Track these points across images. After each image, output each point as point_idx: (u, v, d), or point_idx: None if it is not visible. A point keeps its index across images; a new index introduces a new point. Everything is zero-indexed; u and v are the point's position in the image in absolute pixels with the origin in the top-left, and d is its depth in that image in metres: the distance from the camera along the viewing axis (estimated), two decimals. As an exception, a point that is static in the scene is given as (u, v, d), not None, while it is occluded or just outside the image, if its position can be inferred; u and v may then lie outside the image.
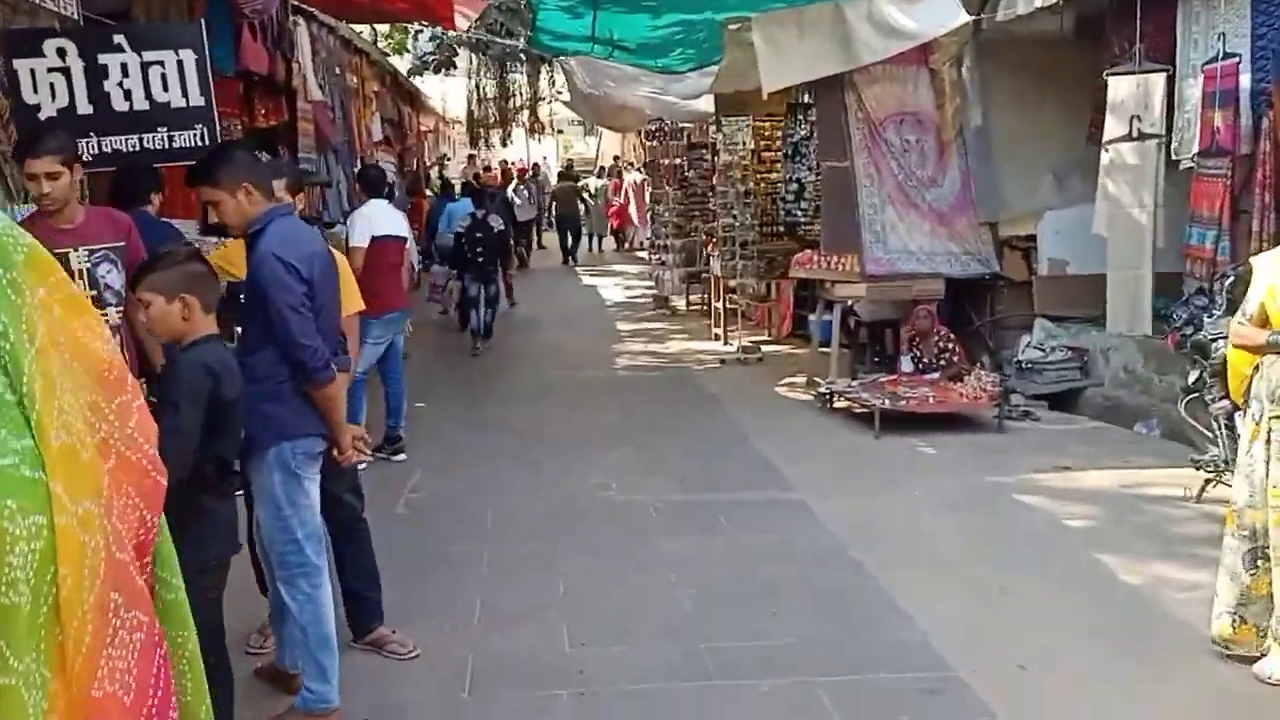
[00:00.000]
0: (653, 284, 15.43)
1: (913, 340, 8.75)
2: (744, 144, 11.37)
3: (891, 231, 8.93)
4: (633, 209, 22.67)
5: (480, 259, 11.53)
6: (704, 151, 14.81)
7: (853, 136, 8.91)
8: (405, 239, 7.19)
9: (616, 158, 26.18)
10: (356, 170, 14.63)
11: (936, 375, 8.61)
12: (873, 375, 9.29)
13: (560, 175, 24.40)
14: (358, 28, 14.90)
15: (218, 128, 5.25)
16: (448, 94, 22.86)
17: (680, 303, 14.66)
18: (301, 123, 12.46)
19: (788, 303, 12.18)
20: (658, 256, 14.51)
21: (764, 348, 11.32)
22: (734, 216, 10.80)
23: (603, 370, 10.45)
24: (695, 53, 11.41)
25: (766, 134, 11.73)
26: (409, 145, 19.35)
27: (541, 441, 7.65)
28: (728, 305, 11.67)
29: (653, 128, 14.61)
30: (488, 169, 22.16)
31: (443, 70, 17.93)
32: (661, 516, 5.89)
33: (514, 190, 16.14)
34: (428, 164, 22.36)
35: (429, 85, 22.00)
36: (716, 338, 12.06)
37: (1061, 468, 6.64)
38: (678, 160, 14.67)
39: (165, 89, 5.05)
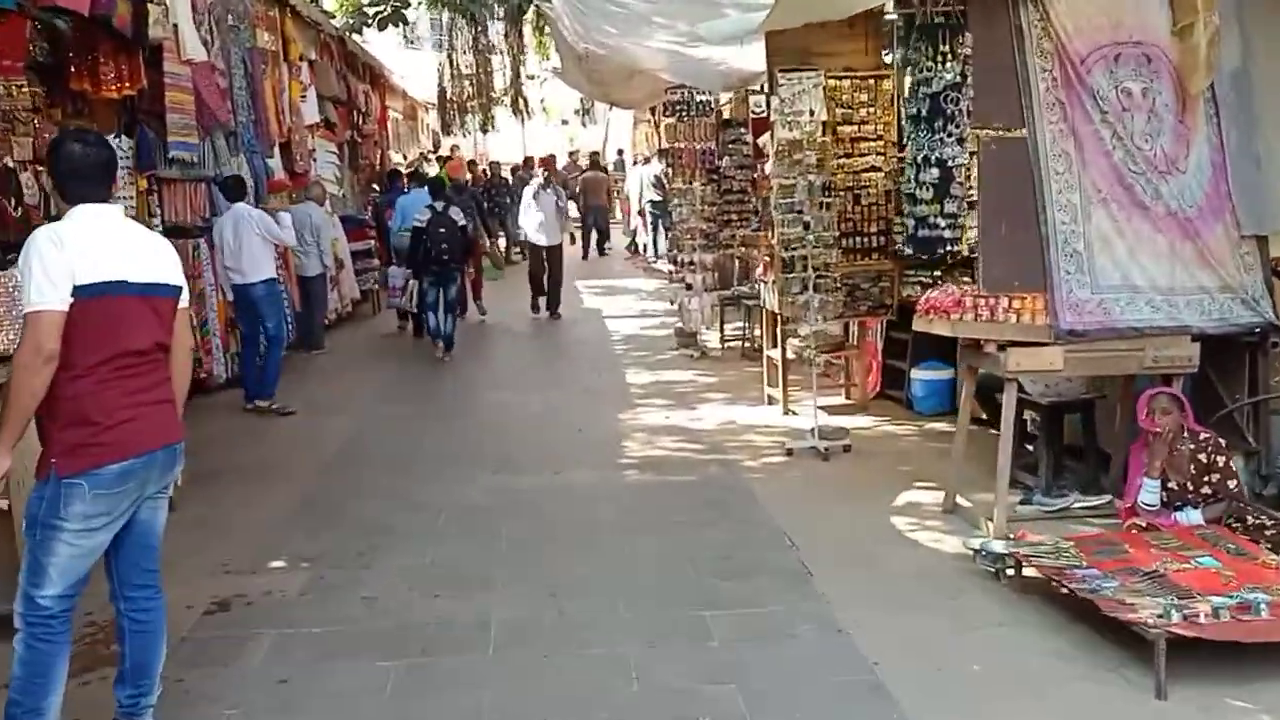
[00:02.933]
0: (673, 309, 11.57)
1: (1146, 443, 4.89)
2: (812, 113, 7.51)
3: (1103, 253, 5.08)
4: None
5: (444, 257, 10.35)
6: (742, 131, 10.91)
7: (1034, 84, 5.05)
8: (176, 290, 3.36)
9: (591, 156, 22.18)
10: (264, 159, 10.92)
11: (1200, 515, 4.78)
12: (1060, 498, 5.44)
13: (592, 163, 20.87)
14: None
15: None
16: (421, 72, 19.01)
17: (712, 338, 10.79)
18: (172, 93, 8.65)
19: (874, 350, 8.31)
20: (680, 275, 10.65)
21: (843, 417, 7.47)
22: (805, 224, 6.92)
23: (597, 471, 6.59)
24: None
25: (846, 97, 7.87)
26: (365, 133, 15.51)
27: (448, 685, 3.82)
28: (788, 354, 7.83)
29: (675, 98, 10.71)
30: (447, 158, 18.25)
31: (390, 26, 14.07)
32: None
33: (540, 189, 12.22)
34: (396, 159, 18.53)
35: (398, 60, 18.20)
36: (771, 401, 8.19)
37: None
38: (707, 144, 10.79)
39: None
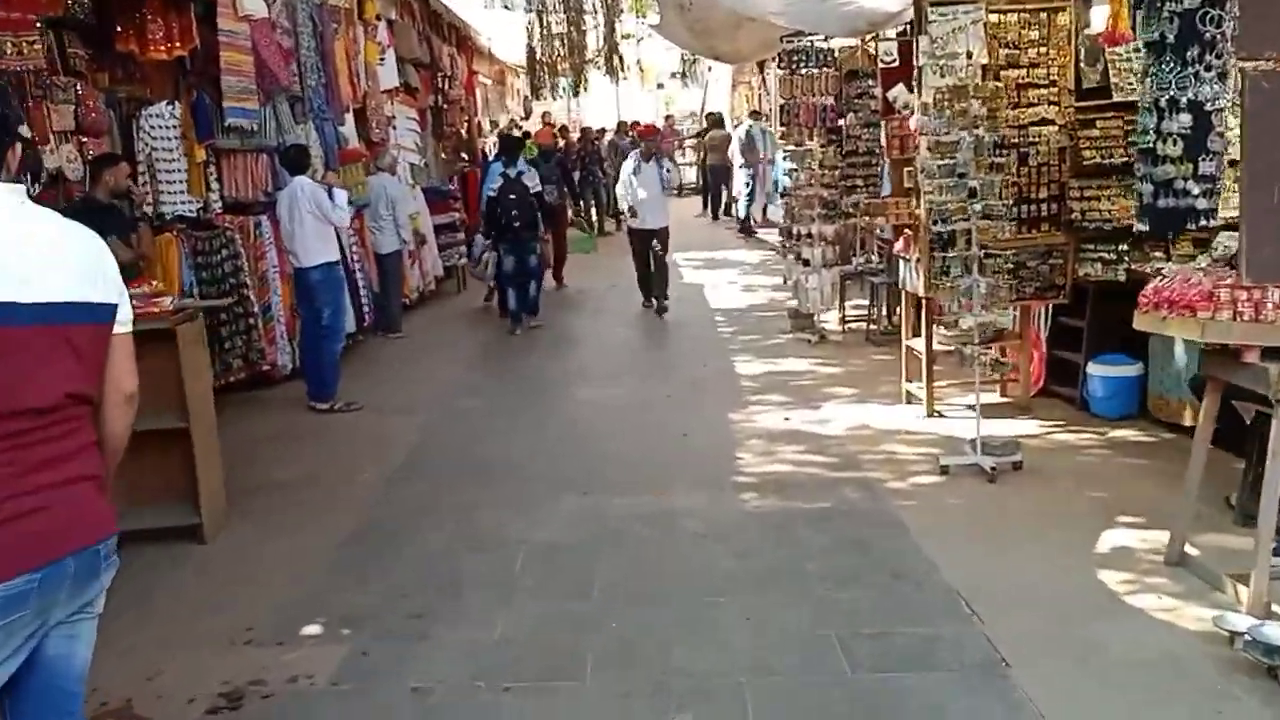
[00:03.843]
0: (785, 286, 10.28)
1: None
2: (970, 55, 6.14)
3: None
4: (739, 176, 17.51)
5: (514, 224, 9.94)
6: (870, 83, 9.50)
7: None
8: (106, 311, 2.25)
9: (710, 116, 20.67)
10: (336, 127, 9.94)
11: None
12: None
13: (713, 121, 19.64)
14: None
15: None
16: (508, 34, 17.91)
17: (831, 319, 9.47)
18: (227, 53, 7.70)
19: (1038, 339, 6.92)
20: (794, 248, 9.34)
21: (1003, 420, 6.14)
22: (971, 190, 5.58)
23: (707, 493, 5.40)
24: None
25: (1011, 35, 6.44)
26: (451, 98, 14.50)
27: None
28: (934, 345, 6.51)
29: (790, 47, 9.35)
30: (515, 125, 17.14)
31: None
32: None
33: (641, 162, 10.48)
34: (485, 127, 17.52)
35: (485, 21, 17.15)
36: (910, 400, 6.88)
37: None
38: (826, 99, 9.42)
39: None
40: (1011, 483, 5.34)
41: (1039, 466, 5.53)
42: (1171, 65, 4.27)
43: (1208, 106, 4.22)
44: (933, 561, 4.40)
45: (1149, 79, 4.34)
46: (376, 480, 5.91)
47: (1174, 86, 4.24)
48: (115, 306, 2.28)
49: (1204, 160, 4.23)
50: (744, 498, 5.33)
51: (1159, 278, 4.08)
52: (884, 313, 9.04)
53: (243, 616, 4.17)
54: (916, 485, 5.38)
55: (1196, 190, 4.23)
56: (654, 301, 10.78)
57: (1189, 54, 4.19)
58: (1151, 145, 4.29)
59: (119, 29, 7.25)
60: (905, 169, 8.93)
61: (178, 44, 7.43)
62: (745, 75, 28.43)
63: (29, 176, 5.73)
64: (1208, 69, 4.19)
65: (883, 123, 9.35)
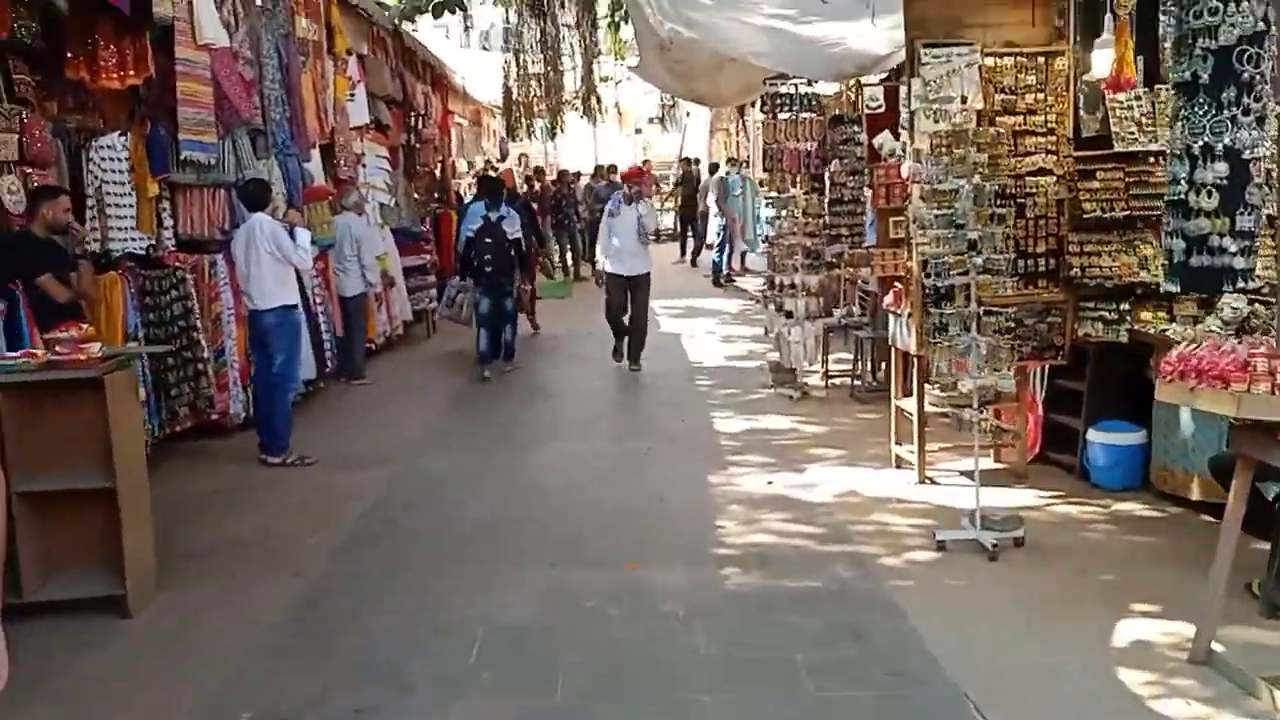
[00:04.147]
0: (766, 338, 9.91)
1: None
2: (964, 100, 5.85)
3: None
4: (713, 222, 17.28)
5: (487, 269, 9.72)
6: (855, 129, 9.23)
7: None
8: None
9: (687, 161, 20.51)
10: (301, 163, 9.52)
11: None
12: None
13: (712, 168, 19.39)
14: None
15: None
16: (485, 73, 17.63)
17: (814, 374, 9.09)
18: (185, 83, 7.29)
19: (1034, 403, 6.56)
20: (776, 300, 8.98)
21: (997, 489, 5.77)
22: (970, 243, 5.24)
23: (687, 568, 4.96)
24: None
25: (1007, 79, 6.15)
26: (424, 137, 14.15)
27: None
28: (925, 409, 6.14)
29: (773, 90, 9.07)
30: (491, 166, 16.89)
31: (446, 13, 12.64)
32: None
33: (619, 204, 9.54)
34: (459, 166, 17.15)
35: (461, 61, 16.85)
36: (900, 464, 6.50)
37: None
38: (810, 145, 9.13)
39: None
40: (1013, 561, 4.95)
41: (1041, 543, 5.14)
42: (1205, 108, 3.92)
43: (1245, 154, 3.88)
44: (934, 655, 3.99)
45: (1180, 123, 3.99)
46: (325, 546, 5.43)
47: (1208, 132, 3.89)
48: None
49: (1242, 215, 3.88)
50: (725, 573, 4.89)
51: (1185, 343, 3.71)
52: (869, 368, 8.68)
53: (164, 707, 3.68)
54: (912, 562, 4.97)
55: (1234, 248, 3.88)
56: (626, 358, 9.96)
57: (1224, 96, 3.85)
58: (1183, 197, 3.94)
59: (69, 55, 6.85)
60: (892, 218, 8.65)
61: (131, 72, 7.02)
62: (723, 121, 28.39)
63: (-47, 209, 5.28)
64: (1245, 112, 3.85)
65: (868, 170, 9.10)
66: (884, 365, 8.62)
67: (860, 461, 6.71)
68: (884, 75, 9.55)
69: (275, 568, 5.15)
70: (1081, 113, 6.31)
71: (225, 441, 7.59)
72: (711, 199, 17.26)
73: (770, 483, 6.32)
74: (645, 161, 22.23)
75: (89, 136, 7.34)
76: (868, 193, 9.14)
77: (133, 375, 4.67)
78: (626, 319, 9.91)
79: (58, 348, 4.27)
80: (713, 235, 17.14)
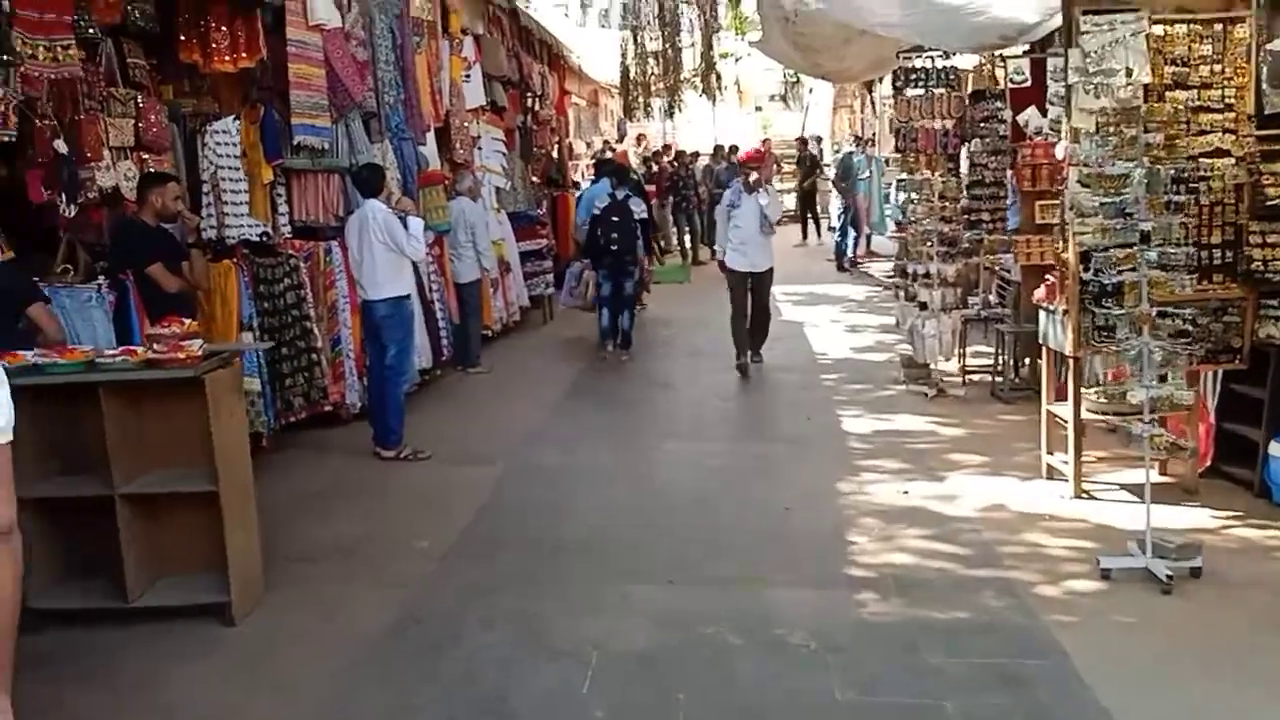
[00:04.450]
0: (896, 329, 9.33)
1: None
2: (1129, 73, 5.21)
3: None
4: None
5: (613, 247, 9.65)
6: (998, 106, 8.56)
7: None
8: None
9: (802, 141, 19.84)
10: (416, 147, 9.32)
11: None
12: None
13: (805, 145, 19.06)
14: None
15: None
16: (602, 52, 17.29)
17: (950, 369, 8.48)
18: (297, 66, 7.14)
19: (1206, 410, 5.87)
20: (908, 289, 8.40)
21: (1165, 507, 5.14)
22: (1144, 233, 4.63)
23: (816, 591, 4.53)
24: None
25: (1179, 50, 5.46)
26: (541, 119, 13.92)
27: None
28: (1083, 414, 5.54)
29: (906, 64, 8.46)
30: (609, 147, 16.56)
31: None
32: None
33: (740, 193, 8.89)
34: (576, 148, 16.89)
35: (579, 40, 16.56)
36: (1052, 474, 5.91)
37: None
38: (946, 122, 8.49)
39: None
40: (1191, 595, 4.36)
41: (1221, 573, 4.53)
42: None
43: None
44: (1106, 707, 3.48)
45: None
46: (432, 551, 5.19)
47: None
48: None
49: None
50: (860, 599, 4.44)
51: None
52: (1012, 365, 8.03)
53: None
54: (1072, 594, 4.43)
55: None
56: (748, 357, 9.10)
57: None
58: None
59: (182, 38, 6.77)
60: (1038, 202, 7.95)
61: (243, 55, 6.92)
62: (847, 98, 27.48)
63: (64, 195, 5.20)
64: None
65: (1012, 150, 8.41)
66: (1028, 362, 7.98)
67: (1006, 470, 6.14)
68: (1027, 46, 8.82)
69: (381, 574, 4.93)
70: (1265, 87, 5.57)
71: (340, 432, 7.48)
72: (831, 178, 16.63)
73: (906, 492, 5.82)
74: (765, 141, 21.61)
75: (204, 121, 7.29)
76: (1011, 174, 8.47)
77: (235, 373, 4.48)
78: (748, 315, 9.15)
79: (155, 345, 4.09)
80: (835, 218, 16.49)
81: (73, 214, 5.35)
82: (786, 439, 7.09)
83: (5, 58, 4.72)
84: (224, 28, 6.85)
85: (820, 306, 12.59)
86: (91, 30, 5.93)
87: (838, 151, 20.13)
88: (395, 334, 6.72)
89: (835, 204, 16.36)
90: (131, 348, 4.16)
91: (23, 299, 4.54)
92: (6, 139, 4.75)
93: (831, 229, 17.32)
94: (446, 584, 4.79)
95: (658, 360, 10.14)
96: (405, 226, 6.64)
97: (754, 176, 8.98)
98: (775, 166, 16.90)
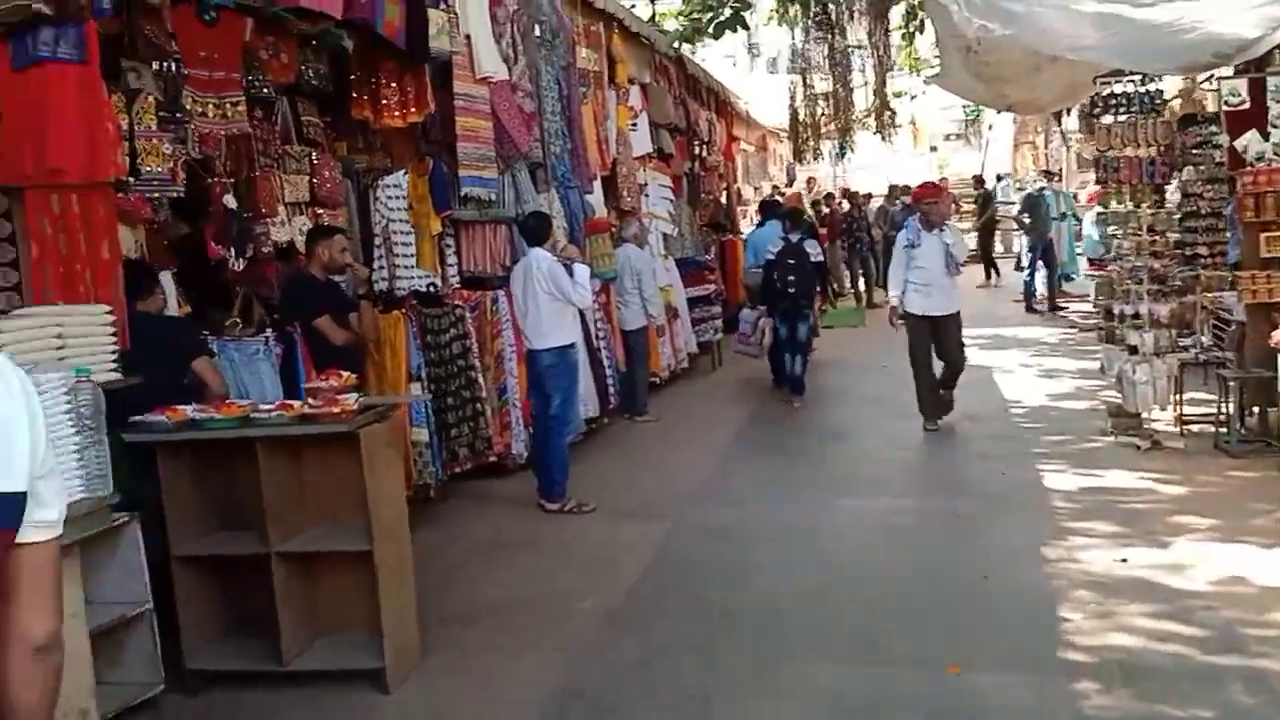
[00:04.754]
0: (1101, 375, 8.49)
1: None
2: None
3: None
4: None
5: (789, 290, 9.49)
6: (1213, 130, 7.74)
7: None
8: (10, 504, 1.29)
9: (978, 179, 18.94)
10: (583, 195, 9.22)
11: None
12: None
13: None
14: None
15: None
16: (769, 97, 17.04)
17: (1164, 419, 7.62)
18: (464, 118, 7.14)
19: None
20: (1114, 331, 7.61)
21: None
22: None
23: (1026, 676, 3.95)
24: None
25: None
26: (708, 165, 13.73)
27: None
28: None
29: (1105, 90, 7.77)
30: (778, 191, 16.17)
31: (728, 31, 12.06)
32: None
33: (920, 231, 8.06)
34: (744, 193, 16.62)
35: (746, 85, 16.37)
36: (1300, 543, 5.09)
37: None
38: (1151, 151, 7.73)
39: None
40: None
41: None
42: None
43: None
44: None
45: None
46: (594, 614, 4.88)
47: None
48: (23, 499, 1.32)
49: None
50: (1079, 688, 3.83)
51: None
52: (1239, 414, 7.12)
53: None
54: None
55: None
56: (938, 424, 8.11)
57: None
58: None
59: (354, 95, 6.87)
60: (1263, 234, 7.11)
61: (412, 110, 6.95)
62: (1029, 133, 26.27)
63: (233, 250, 5.25)
64: None
65: (1230, 178, 7.57)
66: (1257, 410, 7.07)
67: (1242, 536, 5.34)
68: (1242, 65, 7.97)
69: (541, 638, 4.65)
70: None
71: (506, 482, 7.33)
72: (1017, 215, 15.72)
73: (1124, 560, 5.12)
74: (942, 179, 20.78)
75: (377, 176, 7.40)
76: (1230, 204, 7.61)
77: (393, 427, 4.33)
78: (932, 366, 8.15)
79: (310, 400, 3.98)
80: (1024, 257, 15.54)
81: (241, 268, 5.39)
82: (980, 495, 6.46)
83: (177, 115, 4.79)
84: (393, 84, 6.90)
85: (1010, 350, 11.74)
86: (266, 90, 6.07)
87: (1021, 189, 19.15)
88: (559, 383, 6.53)
89: (1021, 243, 15.44)
90: (289, 402, 4.06)
91: (189, 352, 4.55)
92: (176, 195, 4.80)
93: (1020, 268, 16.36)
94: (608, 651, 4.46)
95: (832, 407, 9.63)
96: (571, 274, 6.47)
97: (934, 212, 8.14)
98: (955, 205, 16.09)
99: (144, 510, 3.94)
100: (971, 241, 18.62)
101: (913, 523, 6.03)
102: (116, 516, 3.77)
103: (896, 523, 6.04)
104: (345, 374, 4.26)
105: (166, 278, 5.30)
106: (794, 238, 9.65)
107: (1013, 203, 22.37)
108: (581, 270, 6.62)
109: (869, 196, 18.01)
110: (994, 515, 6.03)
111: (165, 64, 4.85)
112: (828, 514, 6.32)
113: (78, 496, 3.24)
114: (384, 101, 6.90)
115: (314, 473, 4.24)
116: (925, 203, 8.31)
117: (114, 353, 4.07)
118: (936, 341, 8.06)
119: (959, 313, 8.19)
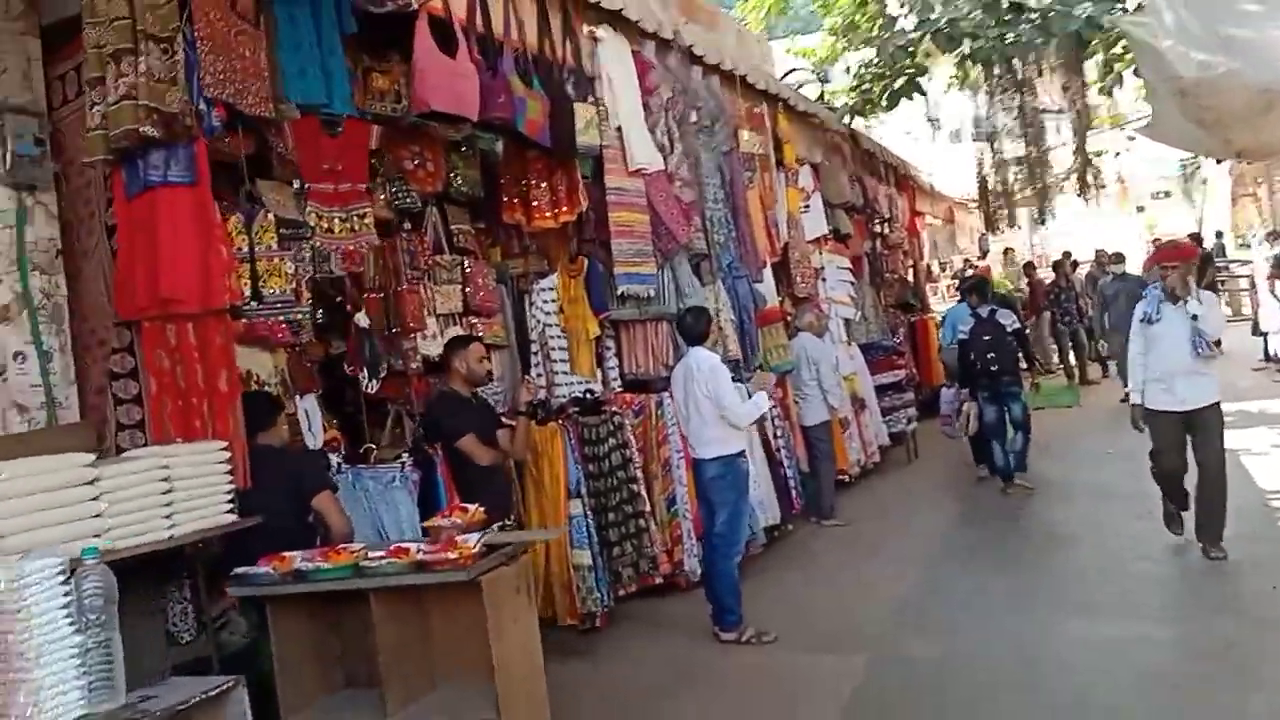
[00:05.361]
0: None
1: None
2: None
3: None
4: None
5: (991, 368, 8.77)
6: None
7: None
8: None
9: (1218, 234, 17.09)
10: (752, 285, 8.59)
11: None
12: None
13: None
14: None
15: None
16: (955, 166, 16.06)
17: None
18: (618, 213, 6.72)
19: None
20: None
21: None
22: None
23: None
24: None
25: None
26: (891, 242, 12.91)
27: None
28: None
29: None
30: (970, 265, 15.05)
31: (902, 100, 11.26)
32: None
33: (1160, 301, 6.38)
34: (933, 269, 15.62)
35: (927, 156, 15.51)
36: None
37: None
38: None
39: None
40: None
41: None
42: None
43: None
44: None
45: None
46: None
47: None
48: None
49: None
50: None
51: None
52: None
53: None
54: None
55: None
56: (1195, 533, 6.47)
57: None
58: None
59: (504, 199, 6.59)
60: None
61: (564, 209, 6.62)
62: (1247, 185, 23.91)
63: (366, 371, 4.91)
64: None
65: None
66: None
67: None
68: None
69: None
70: None
71: (679, 602, 6.64)
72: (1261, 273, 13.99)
73: None
74: (1155, 240, 19.04)
75: (532, 280, 7.09)
76: None
77: (523, 571, 3.75)
78: (1184, 472, 6.48)
79: (423, 545, 3.46)
80: (1273, 321, 13.78)
81: (375, 389, 5.06)
82: (1248, 617, 5.27)
83: (300, 231, 4.53)
84: (544, 184, 6.61)
85: (1257, 428, 10.18)
86: (410, 200, 5.85)
87: (1244, 245, 17.25)
88: (726, 497, 5.83)
89: (1270, 303, 13.69)
90: (404, 545, 3.55)
91: (311, 487, 4.16)
92: (301, 316, 4.51)
93: (1258, 332, 14.53)
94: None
95: (1055, 504, 8.46)
96: (749, 395, 5.89)
97: (1178, 280, 6.34)
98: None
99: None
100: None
101: (1168, 655, 4.93)
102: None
103: (1139, 655, 4.95)
104: (472, 508, 3.75)
105: (310, 401, 5.03)
106: (983, 311, 8.99)
107: (1235, 261, 20.28)
108: (761, 397, 6.18)
109: (1075, 264, 16.60)
110: (1271, 644, 4.85)
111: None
112: (1058, 642, 5.28)
113: (76, 713, 2.67)
114: (535, 203, 6.61)
115: (437, 620, 3.71)
116: (1169, 265, 6.46)
117: (229, 492, 3.73)
118: (1191, 437, 6.36)
119: (1218, 404, 6.36)
